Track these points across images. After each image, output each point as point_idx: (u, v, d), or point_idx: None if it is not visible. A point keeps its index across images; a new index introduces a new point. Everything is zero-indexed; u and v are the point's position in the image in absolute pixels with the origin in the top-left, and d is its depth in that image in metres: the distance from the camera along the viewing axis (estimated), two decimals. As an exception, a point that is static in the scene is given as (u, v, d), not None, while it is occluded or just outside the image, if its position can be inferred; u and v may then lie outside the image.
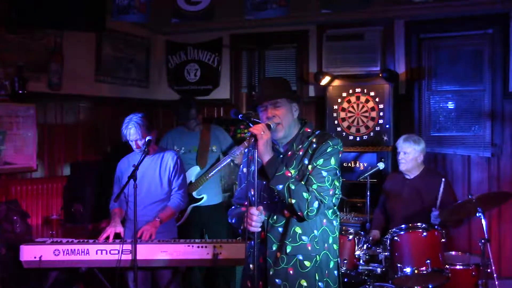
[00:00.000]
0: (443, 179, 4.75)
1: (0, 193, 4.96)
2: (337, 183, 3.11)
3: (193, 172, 5.52)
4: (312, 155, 3.07)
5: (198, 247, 4.20)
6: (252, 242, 3.09)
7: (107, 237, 4.37)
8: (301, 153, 3.12)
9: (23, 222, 4.71)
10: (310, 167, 3.06)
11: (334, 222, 3.20)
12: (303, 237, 3.08)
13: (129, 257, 4.17)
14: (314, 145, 3.10)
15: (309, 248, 3.08)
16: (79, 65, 5.85)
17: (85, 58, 5.99)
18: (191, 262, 4.27)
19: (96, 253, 4.20)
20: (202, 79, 7.03)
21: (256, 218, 3.01)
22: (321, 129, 3.29)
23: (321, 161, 3.04)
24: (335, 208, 3.19)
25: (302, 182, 3.02)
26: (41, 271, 4.24)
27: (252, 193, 3.10)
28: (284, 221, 3.11)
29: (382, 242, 4.49)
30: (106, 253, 4.20)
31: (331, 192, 3.05)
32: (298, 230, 3.09)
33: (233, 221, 3.35)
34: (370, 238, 4.71)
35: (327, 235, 3.15)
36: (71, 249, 4.18)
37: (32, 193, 5.31)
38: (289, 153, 3.16)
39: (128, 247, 4.18)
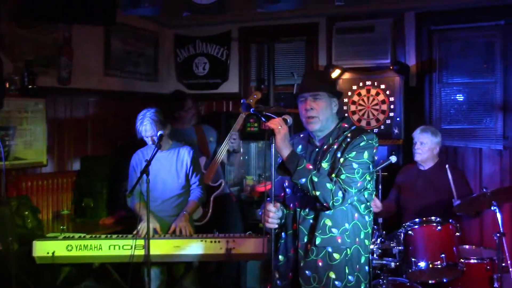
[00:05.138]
0: (447, 165, 4.69)
1: (10, 188, 4.92)
2: (368, 178, 3.09)
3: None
4: (345, 149, 3.08)
5: (212, 242, 4.19)
6: (283, 234, 3.10)
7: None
8: (335, 146, 3.12)
9: (34, 217, 4.69)
10: (342, 159, 3.05)
11: (367, 217, 3.18)
12: (333, 230, 3.08)
13: (142, 252, 4.15)
14: (348, 139, 3.10)
15: (339, 241, 3.08)
16: (88, 59, 5.82)
17: (94, 52, 5.95)
18: (205, 257, 4.25)
19: (109, 249, 4.19)
20: (211, 73, 6.98)
21: (273, 215, 3.02)
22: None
23: (353, 153, 3.04)
24: (368, 203, 3.18)
25: (333, 175, 3.01)
26: (54, 267, 4.22)
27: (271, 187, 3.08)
28: (315, 213, 3.12)
29: (395, 236, 4.46)
30: (119, 249, 4.19)
31: (359, 184, 3.03)
32: (328, 222, 3.09)
33: (260, 213, 3.33)
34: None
35: (359, 229, 3.14)
36: (84, 245, 4.18)
37: (43, 188, 5.29)
38: (325, 147, 3.17)
39: (141, 242, 4.16)
